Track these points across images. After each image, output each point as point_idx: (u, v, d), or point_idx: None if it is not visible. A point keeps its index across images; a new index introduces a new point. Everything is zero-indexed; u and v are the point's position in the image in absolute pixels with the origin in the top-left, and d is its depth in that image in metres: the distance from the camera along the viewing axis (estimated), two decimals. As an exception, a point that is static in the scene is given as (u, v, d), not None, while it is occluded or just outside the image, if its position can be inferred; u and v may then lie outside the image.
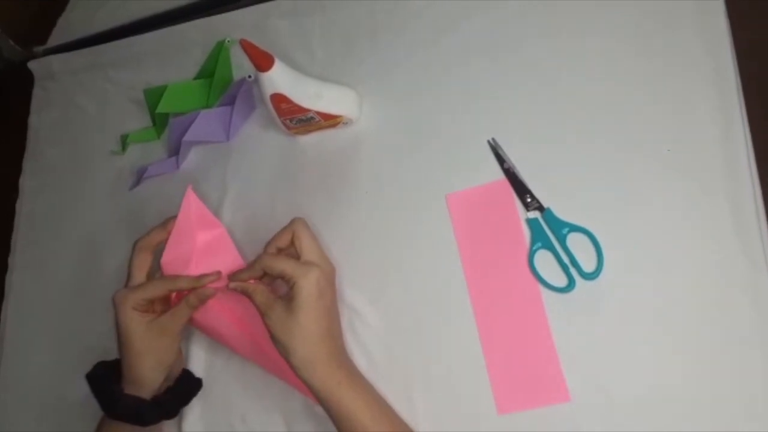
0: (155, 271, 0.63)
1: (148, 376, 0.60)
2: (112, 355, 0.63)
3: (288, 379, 0.63)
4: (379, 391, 0.60)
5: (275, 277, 0.60)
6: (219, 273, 0.61)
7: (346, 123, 0.69)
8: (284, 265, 0.57)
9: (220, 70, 0.76)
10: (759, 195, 0.57)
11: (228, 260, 0.65)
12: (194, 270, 0.63)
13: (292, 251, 0.60)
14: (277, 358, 0.58)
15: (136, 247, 0.63)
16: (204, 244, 0.65)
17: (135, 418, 0.60)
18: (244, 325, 0.63)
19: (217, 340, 0.65)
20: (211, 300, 0.61)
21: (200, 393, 0.66)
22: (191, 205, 0.63)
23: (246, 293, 0.59)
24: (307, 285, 0.56)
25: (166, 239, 0.62)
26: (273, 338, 0.56)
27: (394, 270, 0.65)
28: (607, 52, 0.64)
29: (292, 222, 0.61)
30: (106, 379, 0.61)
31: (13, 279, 0.81)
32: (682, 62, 0.62)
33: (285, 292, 0.59)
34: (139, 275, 0.62)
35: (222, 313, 0.62)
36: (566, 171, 0.62)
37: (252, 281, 0.60)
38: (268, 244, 0.61)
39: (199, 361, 0.68)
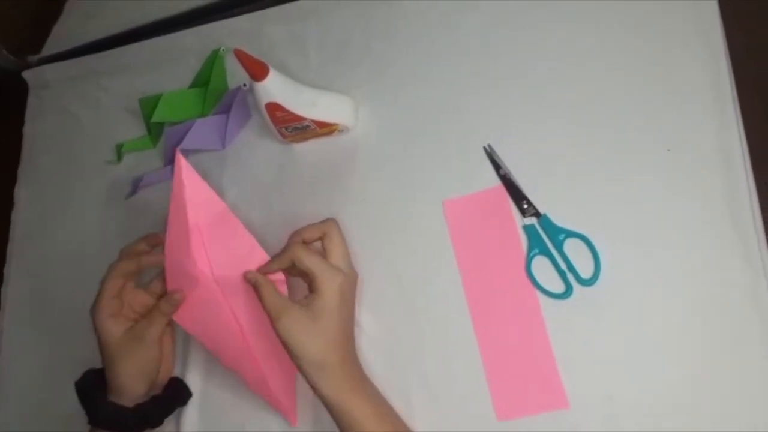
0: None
1: (128, 384, 0.60)
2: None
3: (266, 391, 0.62)
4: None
5: (300, 273, 0.59)
6: (180, 293, 0.61)
7: (342, 131, 0.69)
8: (314, 263, 0.56)
9: (215, 78, 0.76)
10: (755, 199, 0.57)
11: (243, 246, 0.62)
12: (198, 252, 0.60)
13: (316, 247, 0.60)
14: (264, 367, 0.59)
15: (109, 273, 0.63)
16: (208, 227, 0.60)
17: (116, 426, 0.60)
18: (242, 328, 0.61)
19: (207, 343, 0.64)
20: (214, 297, 0.60)
21: (199, 401, 0.66)
22: (182, 172, 0.59)
23: (257, 287, 0.58)
24: (331, 290, 0.56)
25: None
26: (284, 342, 0.55)
27: (390, 277, 0.65)
28: (603, 55, 0.64)
29: (326, 221, 0.61)
30: (92, 387, 0.61)
31: (8, 290, 0.81)
32: (678, 64, 0.62)
33: (302, 296, 0.58)
34: (105, 291, 0.62)
35: (221, 312, 0.61)
36: (562, 177, 0.62)
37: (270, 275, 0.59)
38: (295, 233, 0.60)
39: (198, 368, 0.68)
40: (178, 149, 0.60)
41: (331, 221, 0.61)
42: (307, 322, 0.55)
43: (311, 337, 0.55)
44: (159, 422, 0.64)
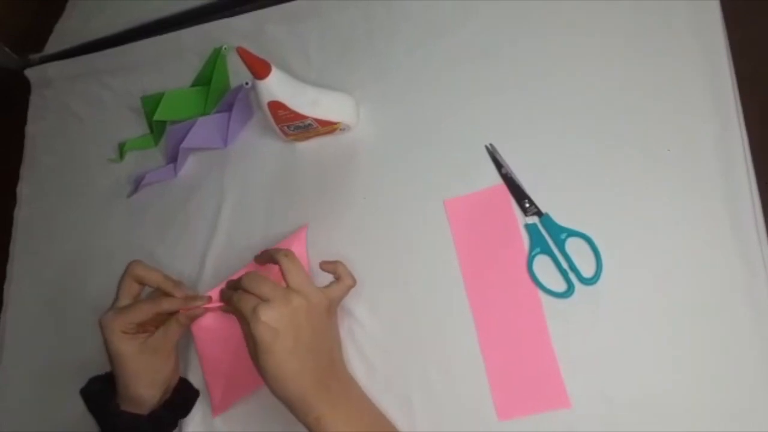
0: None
1: (145, 394, 0.59)
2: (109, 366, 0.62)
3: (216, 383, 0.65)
4: (379, 399, 0.60)
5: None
6: (209, 297, 0.60)
7: (344, 129, 0.69)
8: (241, 305, 0.54)
9: (217, 76, 0.76)
10: (756, 199, 0.57)
11: None
12: None
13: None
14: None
15: (129, 269, 0.60)
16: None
17: None
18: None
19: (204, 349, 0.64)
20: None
21: (201, 401, 0.66)
22: (295, 241, 0.62)
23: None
24: (257, 332, 0.52)
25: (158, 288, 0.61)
26: None
27: (392, 276, 0.65)
28: (604, 54, 0.64)
29: (276, 252, 0.58)
30: (102, 396, 0.60)
31: (11, 288, 0.81)
32: (679, 63, 0.62)
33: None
34: (125, 299, 0.60)
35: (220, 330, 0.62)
36: (564, 176, 0.62)
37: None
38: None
39: (199, 369, 0.68)
40: (306, 226, 0.65)
41: (280, 252, 0.58)
42: (256, 358, 0.53)
43: (263, 372, 0.53)
44: (174, 426, 0.64)
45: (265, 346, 0.52)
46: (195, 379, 0.67)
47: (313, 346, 0.55)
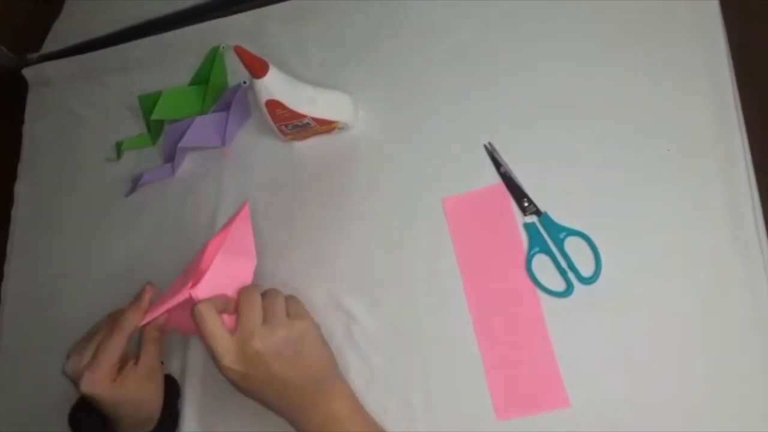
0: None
1: (142, 423, 0.59)
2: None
3: None
4: (378, 399, 0.60)
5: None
6: (149, 284, 0.60)
7: (342, 128, 0.69)
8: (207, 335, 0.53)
9: (215, 75, 0.76)
10: (756, 198, 0.57)
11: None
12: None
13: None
14: None
15: (116, 328, 0.56)
16: (229, 269, 0.59)
17: None
18: None
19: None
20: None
21: (198, 401, 0.66)
22: (236, 220, 0.61)
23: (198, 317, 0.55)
24: (224, 372, 0.54)
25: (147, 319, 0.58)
26: None
27: (391, 276, 0.64)
28: (603, 54, 0.64)
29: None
30: (92, 427, 0.59)
31: (8, 286, 0.81)
32: (679, 63, 0.62)
33: None
34: (110, 359, 0.56)
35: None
36: (563, 175, 0.62)
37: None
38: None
39: (197, 369, 0.67)
40: (248, 203, 0.63)
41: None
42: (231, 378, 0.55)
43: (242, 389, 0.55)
44: None
45: (235, 382, 0.54)
46: (192, 381, 0.67)
47: (284, 378, 0.54)
